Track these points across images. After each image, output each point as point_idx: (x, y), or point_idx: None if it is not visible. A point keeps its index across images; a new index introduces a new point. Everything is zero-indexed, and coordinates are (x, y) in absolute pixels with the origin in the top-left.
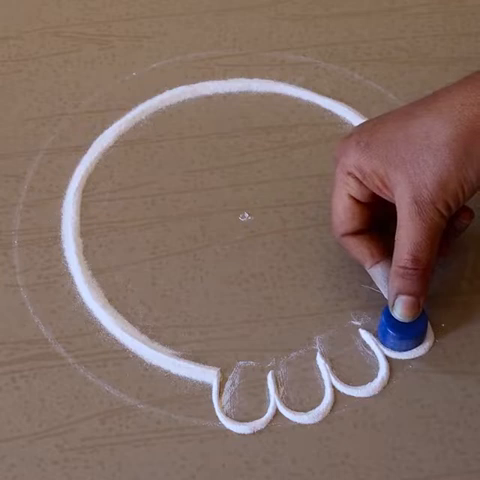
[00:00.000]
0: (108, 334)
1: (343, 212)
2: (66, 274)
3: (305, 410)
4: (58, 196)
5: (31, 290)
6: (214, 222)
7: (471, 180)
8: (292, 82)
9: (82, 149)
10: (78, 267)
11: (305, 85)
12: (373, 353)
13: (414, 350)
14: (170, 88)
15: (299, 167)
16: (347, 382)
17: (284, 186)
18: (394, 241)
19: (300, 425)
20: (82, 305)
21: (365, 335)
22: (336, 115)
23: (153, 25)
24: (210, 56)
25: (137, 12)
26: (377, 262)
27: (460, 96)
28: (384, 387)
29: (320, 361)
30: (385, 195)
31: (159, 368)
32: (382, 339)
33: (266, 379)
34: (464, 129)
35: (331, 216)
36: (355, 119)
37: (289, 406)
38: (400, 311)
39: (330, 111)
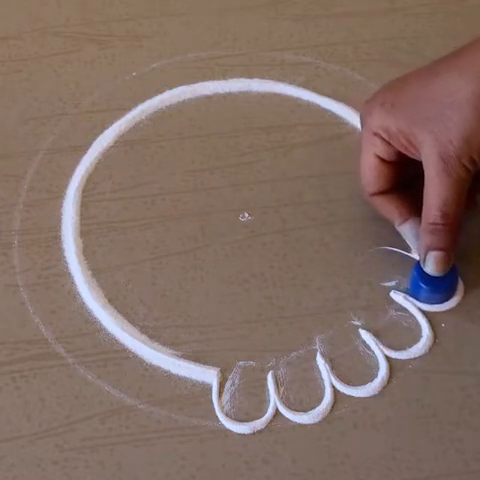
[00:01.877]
0: (108, 334)
1: (370, 171)
2: (66, 274)
3: (305, 410)
4: (58, 196)
5: (31, 290)
6: (214, 222)
7: None
8: (292, 82)
9: (82, 149)
10: (78, 267)
11: (305, 85)
12: (373, 353)
13: (414, 349)
14: (170, 88)
15: (299, 167)
16: (347, 382)
17: (284, 186)
18: (421, 199)
19: (300, 425)
20: (82, 305)
21: (365, 335)
22: (336, 115)
23: (153, 25)
24: (210, 56)
25: (137, 12)
26: (406, 220)
27: None
28: (384, 387)
29: (320, 361)
30: (411, 153)
31: (159, 368)
32: (415, 294)
33: (266, 379)
34: None
35: (359, 176)
36: (355, 119)
37: (289, 406)
38: (432, 266)
39: (330, 111)
